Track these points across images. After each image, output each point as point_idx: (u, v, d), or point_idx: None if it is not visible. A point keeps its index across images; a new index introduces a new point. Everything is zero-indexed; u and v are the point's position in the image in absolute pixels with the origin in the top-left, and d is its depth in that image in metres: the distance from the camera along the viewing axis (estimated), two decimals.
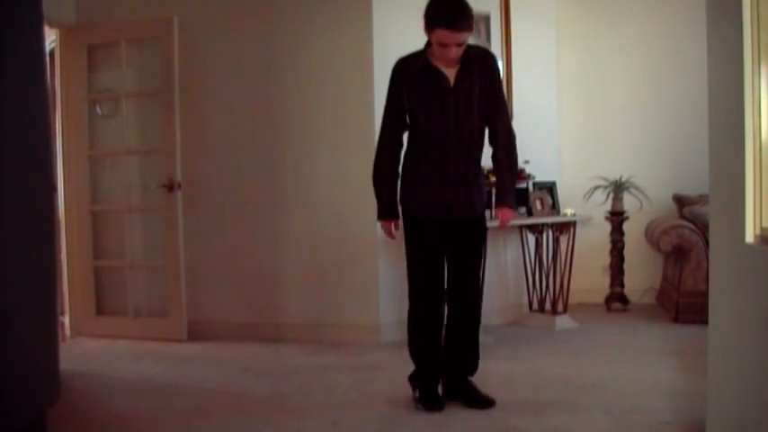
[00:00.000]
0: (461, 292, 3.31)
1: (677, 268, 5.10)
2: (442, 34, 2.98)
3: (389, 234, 3.40)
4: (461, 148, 3.18)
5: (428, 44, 3.17)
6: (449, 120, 3.13)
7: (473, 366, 3.35)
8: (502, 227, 3.47)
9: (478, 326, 3.40)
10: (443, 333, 3.36)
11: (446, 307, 3.35)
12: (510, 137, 3.25)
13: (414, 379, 3.39)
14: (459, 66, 3.12)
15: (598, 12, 5.91)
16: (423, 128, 3.18)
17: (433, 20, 3.00)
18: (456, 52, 3.04)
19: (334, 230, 4.76)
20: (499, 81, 3.27)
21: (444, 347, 3.35)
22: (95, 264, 5.14)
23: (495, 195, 3.47)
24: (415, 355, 3.39)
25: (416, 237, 3.29)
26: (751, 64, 2.07)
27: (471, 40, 3.16)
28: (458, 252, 3.28)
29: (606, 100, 5.90)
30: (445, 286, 3.33)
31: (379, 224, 3.45)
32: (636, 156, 5.73)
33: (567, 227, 5.03)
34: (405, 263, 3.45)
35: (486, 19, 5.12)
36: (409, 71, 3.18)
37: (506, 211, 3.33)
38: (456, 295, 3.32)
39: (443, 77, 3.12)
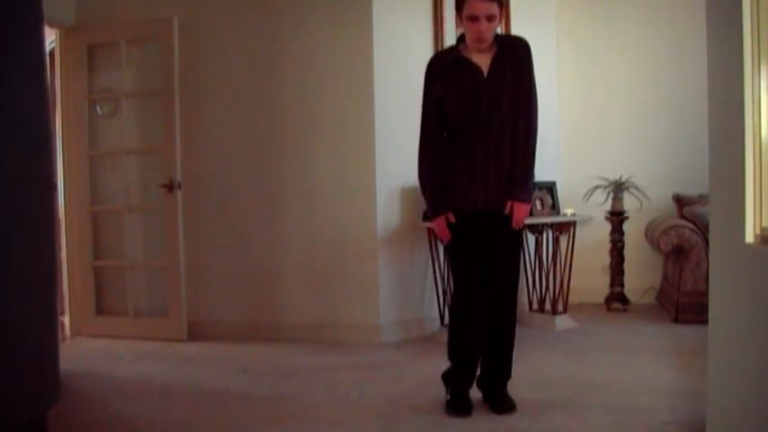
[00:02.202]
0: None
1: (677, 268, 5.10)
2: (472, 5, 2.97)
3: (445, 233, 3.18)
4: (491, 142, 3.10)
5: (459, 40, 3.17)
6: (481, 113, 3.08)
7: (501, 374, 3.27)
8: (515, 225, 3.13)
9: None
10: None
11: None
12: (528, 125, 3.11)
13: (447, 378, 3.31)
14: (492, 56, 3.10)
15: (598, 12, 5.91)
16: (455, 121, 3.13)
17: None
18: (486, 28, 3.00)
19: (335, 230, 4.76)
20: (527, 69, 3.14)
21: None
22: (95, 264, 5.14)
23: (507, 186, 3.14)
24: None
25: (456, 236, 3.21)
26: (751, 64, 2.07)
27: None
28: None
29: (606, 100, 5.90)
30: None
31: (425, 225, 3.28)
32: (636, 156, 5.73)
33: (566, 227, 5.03)
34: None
35: None
36: (444, 64, 3.16)
37: (517, 206, 3.12)
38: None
39: (476, 69, 3.09)
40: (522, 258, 3.26)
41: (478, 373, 3.29)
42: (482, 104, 3.08)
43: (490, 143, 3.10)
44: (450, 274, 3.30)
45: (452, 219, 3.15)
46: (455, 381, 3.26)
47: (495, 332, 3.25)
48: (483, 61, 3.10)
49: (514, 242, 3.24)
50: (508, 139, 3.11)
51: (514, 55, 3.12)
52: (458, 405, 3.17)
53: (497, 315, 3.24)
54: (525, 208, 3.14)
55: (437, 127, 3.18)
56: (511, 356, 3.26)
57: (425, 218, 4.32)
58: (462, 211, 3.15)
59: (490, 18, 2.99)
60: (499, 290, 3.23)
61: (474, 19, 3.00)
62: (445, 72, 3.15)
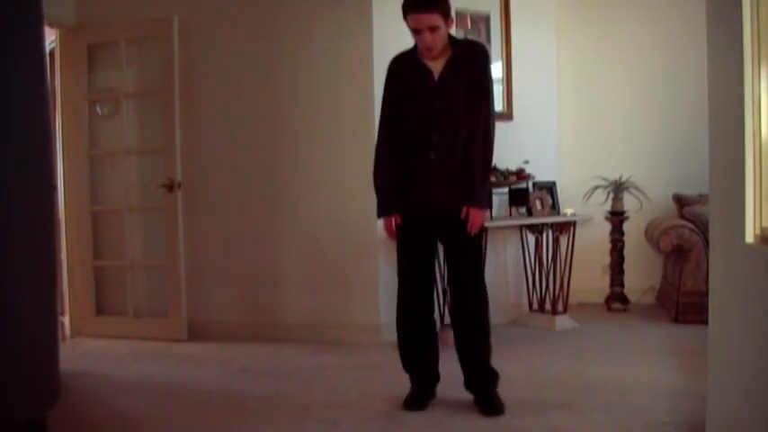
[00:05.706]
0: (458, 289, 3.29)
1: (677, 268, 5.10)
2: (412, 19, 3.01)
3: (390, 231, 3.25)
4: (444, 146, 3.10)
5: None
6: (430, 116, 3.09)
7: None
8: (471, 230, 3.10)
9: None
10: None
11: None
12: (486, 130, 3.09)
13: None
14: (446, 60, 3.10)
15: (597, 12, 5.91)
16: (406, 124, 3.15)
17: (403, 8, 3.05)
18: (431, 39, 3.00)
19: (335, 230, 4.76)
20: (484, 75, 3.12)
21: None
22: (95, 264, 5.14)
23: (463, 193, 3.12)
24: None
25: (402, 235, 3.25)
26: (751, 64, 2.07)
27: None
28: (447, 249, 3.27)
29: (606, 100, 5.90)
30: (431, 283, 3.32)
31: (380, 223, 3.36)
32: (636, 156, 5.73)
33: (566, 227, 5.03)
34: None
35: (486, 19, 5.12)
36: (400, 67, 3.21)
37: (474, 212, 3.09)
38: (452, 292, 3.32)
39: (428, 72, 3.10)
40: (482, 260, 3.29)
41: (463, 376, 3.28)
42: (433, 108, 3.09)
43: (441, 147, 3.10)
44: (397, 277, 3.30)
45: (398, 221, 3.20)
46: (414, 382, 3.32)
47: (466, 336, 3.23)
48: (437, 64, 3.11)
49: (472, 246, 3.18)
50: (461, 143, 3.10)
51: (470, 59, 3.12)
52: (411, 401, 3.24)
53: (466, 317, 3.22)
54: (482, 214, 3.13)
55: (391, 128, 3.20)
56: (488, 358, 3.23)
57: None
58: (412, 214, 3.18)
59: (433, 29, 2.99)
60: (463, 294, 3.22)
61: (417, 32, 3.02)
62: (402, 74, 3.19)
